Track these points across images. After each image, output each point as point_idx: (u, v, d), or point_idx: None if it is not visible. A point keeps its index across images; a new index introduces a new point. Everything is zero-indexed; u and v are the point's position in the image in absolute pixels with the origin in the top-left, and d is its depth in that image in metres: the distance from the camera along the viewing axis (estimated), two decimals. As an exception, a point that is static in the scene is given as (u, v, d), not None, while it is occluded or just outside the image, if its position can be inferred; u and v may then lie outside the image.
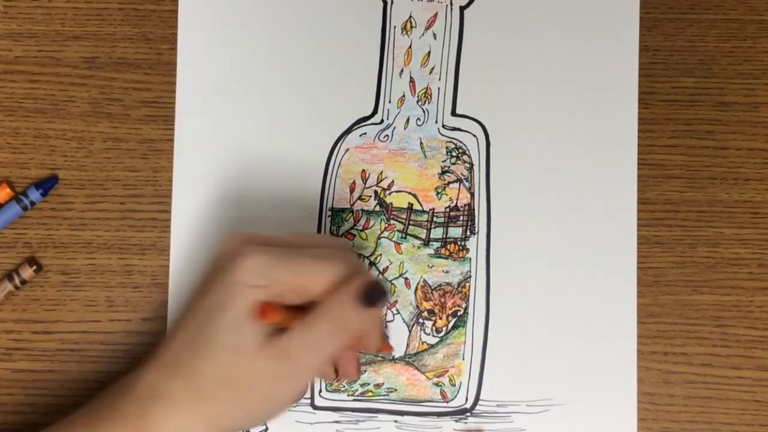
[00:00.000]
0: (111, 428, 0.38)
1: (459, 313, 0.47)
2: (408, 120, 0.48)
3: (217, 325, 0.38)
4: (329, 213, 0.47)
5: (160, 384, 0.38)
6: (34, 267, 0.46)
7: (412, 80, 0.48)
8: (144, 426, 0.38)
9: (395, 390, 0.47)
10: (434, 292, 0.47)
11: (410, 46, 0.48)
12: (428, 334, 0.47)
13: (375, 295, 0.39)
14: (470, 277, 0.47)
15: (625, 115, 0.48)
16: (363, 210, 0.47)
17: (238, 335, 0.38)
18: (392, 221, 0.47)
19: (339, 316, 0.38)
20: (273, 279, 0.38)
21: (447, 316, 0.47)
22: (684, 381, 0.47)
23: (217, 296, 0.38)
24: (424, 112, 0.48)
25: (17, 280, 0.46)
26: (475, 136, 0.48)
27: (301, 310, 0.39)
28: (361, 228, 0.47)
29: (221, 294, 0.38)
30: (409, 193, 0.47)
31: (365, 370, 0.47)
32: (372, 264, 0.47)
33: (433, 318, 0.47)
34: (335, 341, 0.39)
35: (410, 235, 0.47)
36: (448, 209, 0.47)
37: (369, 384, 0.47)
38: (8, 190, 0.46)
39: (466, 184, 0.47)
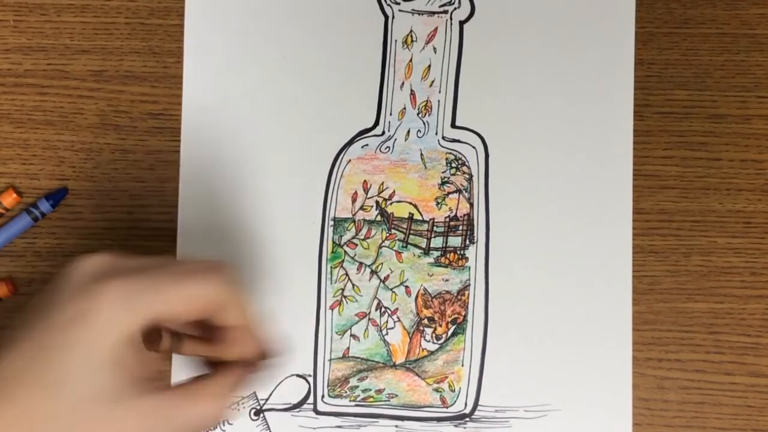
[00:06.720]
0: None
1: (458, 321, 0.48)
2: (409, 132, 0.48)
3: (72, 366, 0.33)
4: (331, 222, 0.48)
5: None
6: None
7: (412, 93, 0.49)
8: None
9: (396, 396, 0.48)
10: (434, 299, 0.48)
11: (411, 60, 0.49)
12: (428, 341, 0.48)
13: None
14: (469, 285, 0.48)
15: (621, 126, 0.48)
16: (364, 220, 0.48)
17: (96, 379, 0.33)
18: (393, 231, 0.48)
19: (226, 395, 0.37)
20: (137, 311, 0.34)
21: (447, 324, 0.48)
22: (678, 387, 0.47)
23: (73, 333, 0.33)
24: (424, 124, 0.49)
25: None
26: (474, 147, 0.48)
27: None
28: (362, 237, 0.48)
29: (79, 333, 0.33)
30: (410, 203, 0.48)
31: (366, 376, 0.48)
32: (374, 273, 0.48)
33: (433, 325, 0.48)
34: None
35: (411, 245, 0.48)
36: (447, 219, 0.48)
37: (370, 390, 0.47)
38: (18, 198, 0.47)
39: (466, 194, 0.48)
